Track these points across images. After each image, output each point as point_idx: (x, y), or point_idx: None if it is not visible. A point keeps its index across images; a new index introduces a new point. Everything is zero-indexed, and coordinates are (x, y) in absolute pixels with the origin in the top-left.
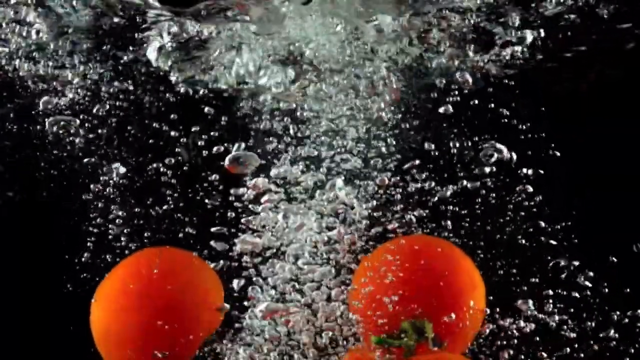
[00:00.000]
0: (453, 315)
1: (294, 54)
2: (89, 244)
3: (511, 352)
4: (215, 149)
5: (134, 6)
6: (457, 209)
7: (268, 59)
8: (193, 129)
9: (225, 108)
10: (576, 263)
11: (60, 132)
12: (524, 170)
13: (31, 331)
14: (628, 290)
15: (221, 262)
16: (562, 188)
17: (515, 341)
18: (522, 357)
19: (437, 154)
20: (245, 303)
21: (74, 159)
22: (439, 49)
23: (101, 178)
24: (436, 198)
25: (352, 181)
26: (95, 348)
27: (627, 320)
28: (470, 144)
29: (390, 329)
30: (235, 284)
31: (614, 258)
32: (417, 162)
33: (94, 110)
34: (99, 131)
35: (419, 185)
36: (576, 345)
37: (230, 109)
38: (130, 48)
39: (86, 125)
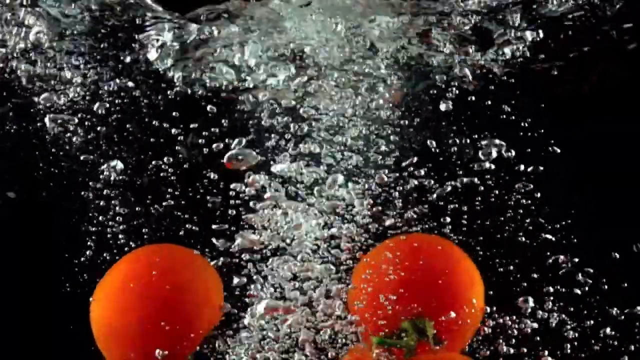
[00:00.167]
0: (452, 313)
1: (294, 52)
2: (89, 243)
3: (510, 349)
4: (214, 146)
5: (134, 9)
6: (456, 206)
7: (268, 57)
8: (192, 126)
9: (225, 106)
10: (576, 260)
11: (59, 130)
12: (524, 167)
13: (31, 331)
14: (627, 287)
15: (221, 259)
16: (562, 186)
17: (515, 339)
18: (522, 354)
19: (436, 151)
20: (247, 300)
21: (74, 158)
22: (439, 49)
23: (101, 177)
24: (435, 196)
25: (351, 178)
26: (95, 347)
27: (626, 317)
28: (469, 141)
29: (390, 328)
30: (236, 281)
31: (613, 255)
32: (417, 159)
33: (94, 109)
34: (98, 128)
35: (418, 182)
36: (575, 343)
37: (230, 106)
38: (131, 47)
39: (86, 124)
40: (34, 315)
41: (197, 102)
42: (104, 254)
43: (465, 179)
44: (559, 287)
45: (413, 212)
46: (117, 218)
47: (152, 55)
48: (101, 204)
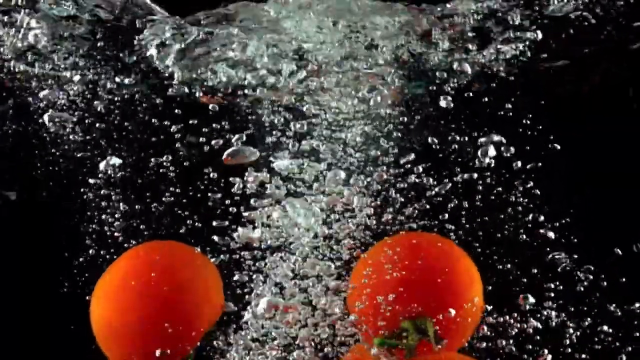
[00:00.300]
0: (452, 312)
1: (294, 50)
2: (88, 241)
3: (510, 347)
4: (214, 142)
5: (133, 11)
6: (456, 204)
7: (268, 55)
8: (192, 122)
9: (225, 105)
10: (575, 258)
11: (58, 128)
12: (524, 166)
13: (31, 331)
14: (627, 285)
15: (221, 256)
16: (562, 184)
17: (514, 338)
18: (521, 352)
19: (436, 149)
20: (246, 297)
21: (73, 158)
22: (439, 48)
23: (100, 175)
24: (434, 193)
25: (351, 176)
26: (95, 347)
27: (625, 315)
28: (469, 139)
29: (389, 327)
30: (236, 277)
31: (613, 253)
32: (416, 157)
33: (93, 108)
34: (97, 125)
35: (418, 180)
36: (575, 340)
37: (230, 104)
38: (130, 46)
39: (85, 122)
40: (34, 315)
41: (197, 100)
42: (104, 253)
43: (465, 177)
44: (558, 285)
45: (413, 210)
46: (117, 216)
47: (152, 54)
48: (101, 203)
